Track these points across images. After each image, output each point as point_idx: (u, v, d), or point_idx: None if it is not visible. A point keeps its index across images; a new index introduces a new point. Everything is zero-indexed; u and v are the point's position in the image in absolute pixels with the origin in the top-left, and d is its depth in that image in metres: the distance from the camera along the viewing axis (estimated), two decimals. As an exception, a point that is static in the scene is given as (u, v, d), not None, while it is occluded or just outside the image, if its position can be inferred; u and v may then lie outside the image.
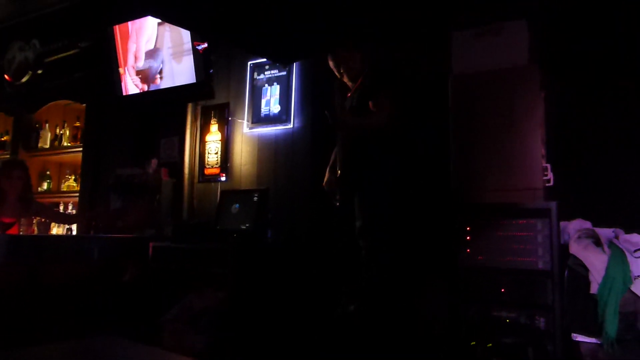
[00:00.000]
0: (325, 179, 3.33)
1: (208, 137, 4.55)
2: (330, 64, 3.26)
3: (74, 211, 5.39)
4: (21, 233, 4.15)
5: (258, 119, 4.27)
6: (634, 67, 2.81)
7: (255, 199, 3.80)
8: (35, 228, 4.82)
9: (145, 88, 4.72)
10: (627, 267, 2.30)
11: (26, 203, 4.03)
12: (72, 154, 5.51)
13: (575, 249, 2.44)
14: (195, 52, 4.33)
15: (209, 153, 4.53)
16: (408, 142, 3.23)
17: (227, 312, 3.18)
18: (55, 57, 5.44)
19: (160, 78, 4.60)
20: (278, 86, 4.19)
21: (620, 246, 2.37)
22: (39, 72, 5.53)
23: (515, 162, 2.66)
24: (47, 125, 5.72)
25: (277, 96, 4.18)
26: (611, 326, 2.26)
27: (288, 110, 4.11)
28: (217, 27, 3.68)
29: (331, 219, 3.37)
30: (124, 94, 4.89)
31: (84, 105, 5.36)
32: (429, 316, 2.89)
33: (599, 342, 2.31)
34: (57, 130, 5.69)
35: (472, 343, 2.52)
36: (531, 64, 2.71)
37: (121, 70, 4.89)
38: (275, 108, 4.18)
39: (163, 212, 4.38)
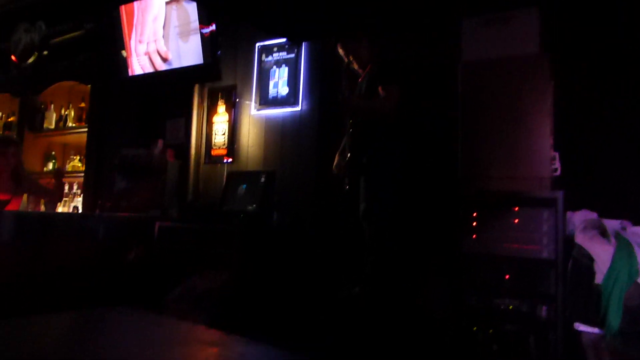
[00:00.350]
0: (335, 162, 3.34)
1: (215, 119, 4.54)
2: (340, 51, 3.28)
3: (79, 191, 5.41)
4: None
5: (265, 101, 4.26)
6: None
7: (262, 180, 3.79)
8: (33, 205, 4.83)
9: (152, 69, 4.70)
10: (634, 260, 2.27)
11: (19, 180, 4.04)
12: (77, 135, 5.52)
13: (581, 238, 2.43)
14: (202, 33, 4.30)
15: (215, 134, 4.53)
16: (416, 128, 3.25)
17: (231, 293, 3.21)
18: (61, 38, 5.45)
19: (167, 59, 4.57)
20: (286, 68, 4.16)
21: (629, 239, 2.35)
22: (45, 53, 5.54)
23: (523, 150, 2.65)
24: (52, 106, 5.72)
25: (285, 78, 4.16)
26: (614, 318, 2.24)
27: (296, 93, 4.09)
28: (229, 2, 3.64)
29: (337, 202, 3.38)
30: (130, 74, 4.87)
31: (89, 86, 5.36)
32: (432, 301, 2.91)
33: (601, 332, 2.31)
34: (62, 111, 5.68)
35: (474, 329, 2.54)
36: (542, 53, 2.69)
37: (127, 51, 4.86)
38: (284, 90, 4.17)
39: (168, 193, 4.38)
